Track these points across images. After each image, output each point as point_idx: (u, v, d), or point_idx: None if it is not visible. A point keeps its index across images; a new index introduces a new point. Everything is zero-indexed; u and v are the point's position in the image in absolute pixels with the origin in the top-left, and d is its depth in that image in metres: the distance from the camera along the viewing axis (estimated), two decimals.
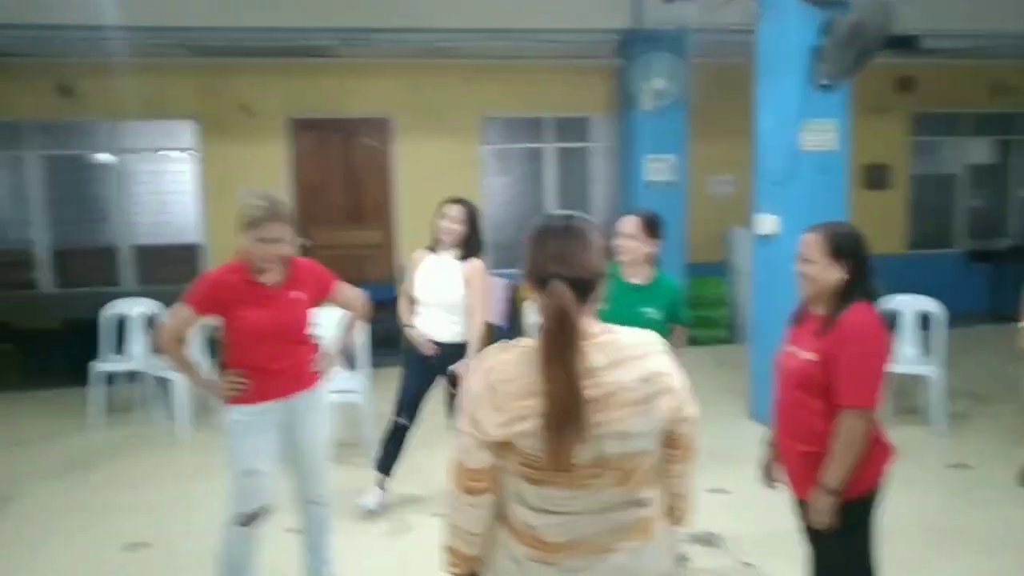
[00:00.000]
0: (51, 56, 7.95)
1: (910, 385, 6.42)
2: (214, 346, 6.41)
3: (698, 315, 9.06)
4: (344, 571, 3.85)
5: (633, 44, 8.31)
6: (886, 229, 9.90)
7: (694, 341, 9.00)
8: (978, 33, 8.67)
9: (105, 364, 6.57)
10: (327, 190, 9.01)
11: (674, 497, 1.98)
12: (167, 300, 7.01)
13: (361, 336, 5.48)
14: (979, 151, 10.80)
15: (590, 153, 9.79)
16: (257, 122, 8.65)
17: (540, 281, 1.76)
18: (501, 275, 7.02)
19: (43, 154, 8.59)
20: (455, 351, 4.53)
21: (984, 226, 10.62)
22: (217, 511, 3.44)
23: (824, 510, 2.70)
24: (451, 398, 4.55)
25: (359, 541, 4.36)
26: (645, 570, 1.84)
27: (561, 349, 1.69)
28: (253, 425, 3.34)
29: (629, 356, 1.77)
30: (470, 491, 1.81)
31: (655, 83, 7.95)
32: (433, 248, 4.56)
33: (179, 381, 6.17)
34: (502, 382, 1.74)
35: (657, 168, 8.57)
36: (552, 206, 9.57)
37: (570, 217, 1.84)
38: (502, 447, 1.76)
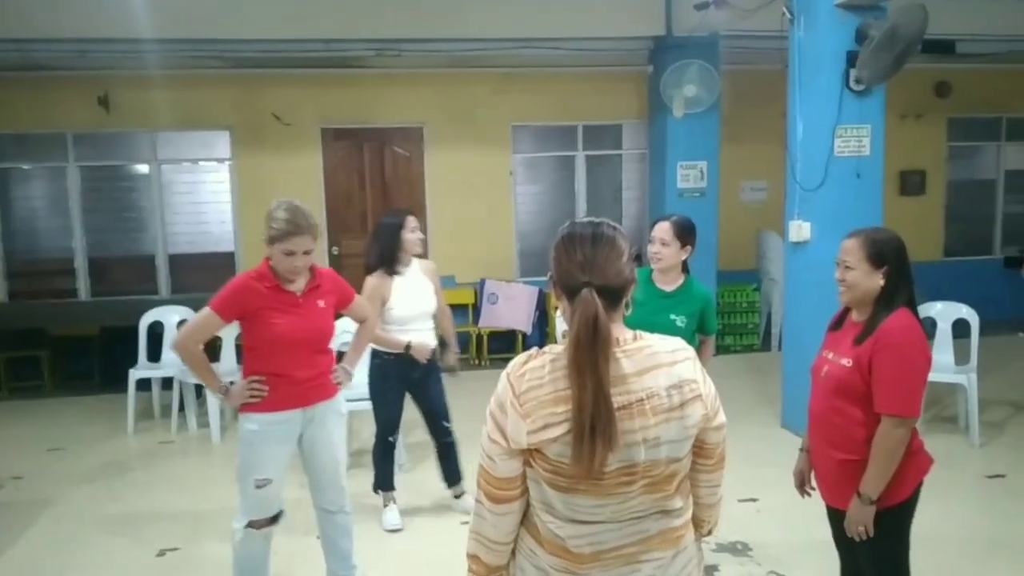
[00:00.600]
0: (91, 69, 8.09)
1: (946, 394, 6.32)
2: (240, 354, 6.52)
3: (730, 322, 9.01)
4: None
5: (664, 51, 8.29)
6: (921, 236, 9.75)
7: (726, 348, 8.96)
8: (1014, 37, 8.53)
9: (141, 371, 6.66)
10: (359, 199, 9.08)
11: (702, 508, 1.95)
12: (199, 307, 7.14)
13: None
14: (1017, 156, 10.62)
15: (621, 160, 9.76)
16: (291, 132, 8.75)
17: (569, 289, 1.74)
18: (529, 283, 7.05)
19: (83, 165, 8.74)
20: (433, 356, 4.66)
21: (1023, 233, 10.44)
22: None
23: (861, 520, 2.66)
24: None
25: (381, 547, 4.38)
26: None
27: (590, 357, 1.66)
28: (269, 435, 3.34)
29: (659, 363, 1.75)
30: (497, 500, 1.78)
31: (687, 90, 7.92)
32: (391, 269, 4.50)
33: None
34: (532, 389, 1.72)
35: (689, 175, 8.54)
36: (583, 214, 9.56)
37: (598, 224, 1.82)
38: (531, 454, 1.74)
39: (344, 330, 4.55)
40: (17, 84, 8.25)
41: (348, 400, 3.77)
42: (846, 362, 2.69)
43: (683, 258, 3.75)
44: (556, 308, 8.73)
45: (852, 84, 5.58)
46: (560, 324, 6.38)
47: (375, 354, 4.63)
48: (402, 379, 4.63)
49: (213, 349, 6.77)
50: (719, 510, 2.00)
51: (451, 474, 4.90)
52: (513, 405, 1.72)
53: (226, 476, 5.64)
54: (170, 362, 6.74)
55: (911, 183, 10.01)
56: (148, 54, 7.63)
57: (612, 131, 9.64)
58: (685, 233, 3.74)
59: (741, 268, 9.30)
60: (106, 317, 8.19)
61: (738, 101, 8.80)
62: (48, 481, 5.54)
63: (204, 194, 9.12)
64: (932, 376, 2.77)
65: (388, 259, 4.50)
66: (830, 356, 2.80)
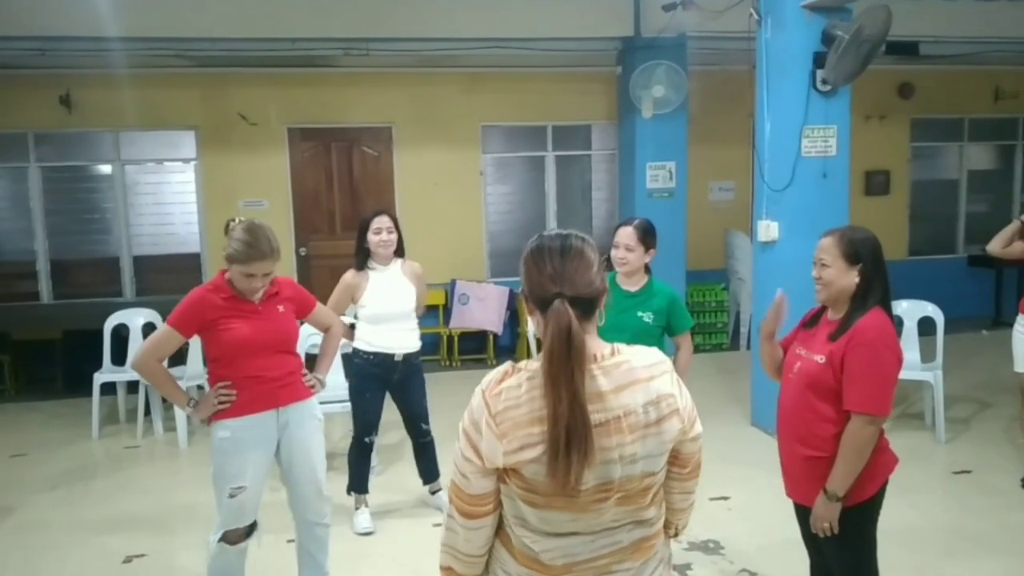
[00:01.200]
0: (52, 67, 7.95)
1: (912, 391, 6.40)
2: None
3: (699, 321, 9.05)
4: None
5: (633, 52, 8.31)
6: (886, 235, 9.59)
7: (695, 348, 8.97)
8: (976, 39, 8.67)
9: (106, 375, 6.55)
10: (327, 199, 9.01)
11: (674, 512, 1.95)
12: (167, 310, 7.03)
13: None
14: (980, 157, 10.80)
15: (591, 161, 9.78)
16: (257, 132, 8.66)
17: (540, 301, 1.71)
18: (500, 283, 7.03)
19: (45, 165, 8.58)
20: (415, 359, 4.65)
21: (986, 232, 10.54)
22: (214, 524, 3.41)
23: (827, 516, 2.68)
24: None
25: (353, 550, 4.35)
26: None
27: (565, 369, 1.64)
28: (243, 441, 3.28)
29: (636, 379, 1.73)
30: (470, 515, 1.76)
31: (655, 90, 7.94)
32: (362, 266, 4.52)
33: None
34: (509, 409, 1.69)
35: (658, 175, 8.57)
36: (553, 214, 9.57)
37: (566, 235, 1.79)
38: (505, 472, 1.71)
39: (311, 332, 4.50)
40: None
41: (320, 403, 3.74)
42: (819, 358, 2.71)
43: (647, 261, 3.83)
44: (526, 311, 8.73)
45: (819, 85, 5.63)
46: (532, 326, 6.39)
47: (355, 354, 4.61)
48: (381, 380, 4.60)
49: (179, 353, 6.71)
50: (690, 513, 2.00)
51: (428, 472, 4.89)
52: (489, 425, 1.69)
53: (193, 481, 5.60)
54: None
55: (876, 183, 10.14)
56: (111, 52, 7.50)
57: (582, 131, 9.65)
58: (648, 237, 3.84)
59: (709, 268, 9.36)
60: (69, 320, 8.04)
61: (706, 102, 8.83)
62: (10, 488, 5.42)
63: (169, 195, 8.99)
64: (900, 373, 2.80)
65: (358, 257, 4.53)
66: (802, 352, 2.81)
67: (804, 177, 5.72)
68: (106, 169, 8.80)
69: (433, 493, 4.90)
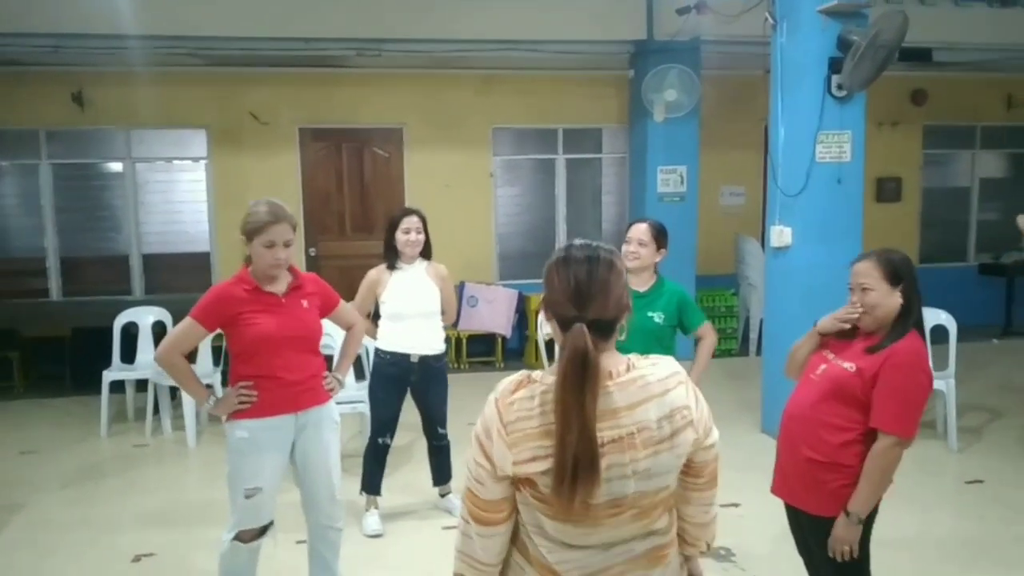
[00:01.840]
0: (65, 65, 7.96)
1: None
2: (216, 356, 6.44)
3: None
4: None
5: (645, 56, 8.30)
6: (897, 242, 9.60)
7: None
8: (990, 46, 8.64)
9: (115, 372, 6.55)
10: (338, 200, 9.01)
11: (697, 527, 1.94)
12: (176, 309, 7.07)
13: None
14: (992, 164, 10.75)
15: (601, 164, 9.77)
16: (268, 131, 8.66)
17: (560, 320, 1.71)
18: (509, 286, 7.02)
19: (56, 163, 8.60)
20: (437, 362, 4.62)
21: (997, 240, 10.55)
22: (225, 521, 3.39)
23: (848, 539, 2.65)
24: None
25: (361, 551, 4.33)
26: None
27: (577, 396, 1.62)
28: (260, 442, 3.25)
29: (651, 395, 1.71)
30: (484, 522, 1.75)
31: (667, 94, 7.92)
32: (392, 264, 4.52)
33: None
34: (520, 420, 1.68)
35: (669, 179, 8.55)
36: (562, 217, 9.56)
37: (594, 249, 1.75)
38: (519, 480, 1.71)
39: (326, 332, 4.48)
40: None
41: (344, 403, 3.72)
42: (849, 366, 2.68)
43: (657, 260, 3.84)
44: (538, 312, 8.70)
45: (834, 90, 5.60)
46: (543, 328, 6.37)
47: (375, 353, 4.60)
48: (398, 380, 4.58)
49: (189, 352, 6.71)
50: (714, 528, 1.98)
51: (441, 474, 4.88)
52: (500, 433, 1.68)
53: (202, 480, 5.60)
54: (144, 364, 6.64)
55: (887, 190, 10.10)
56: (124, 51, 7.52)
57: (592, 135, 9.63)
58: (661, 236, 3.85)
59: (719, 272, 9.33)
60: (78, 318, 8.04)
61: (717, 106, 8.82)
62: (20, 485, 5.41)
63: (179, 193, 8.99)
64: None
65: (385, 254, 4.54)
66: (830, 356, 2.78)
67: (818, 183, 5.69)
68: (117, 167, 8.80)
69: (443, 496, 4.89)
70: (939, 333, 6.05)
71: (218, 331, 3.33)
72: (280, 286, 3.30)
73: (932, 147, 10.37)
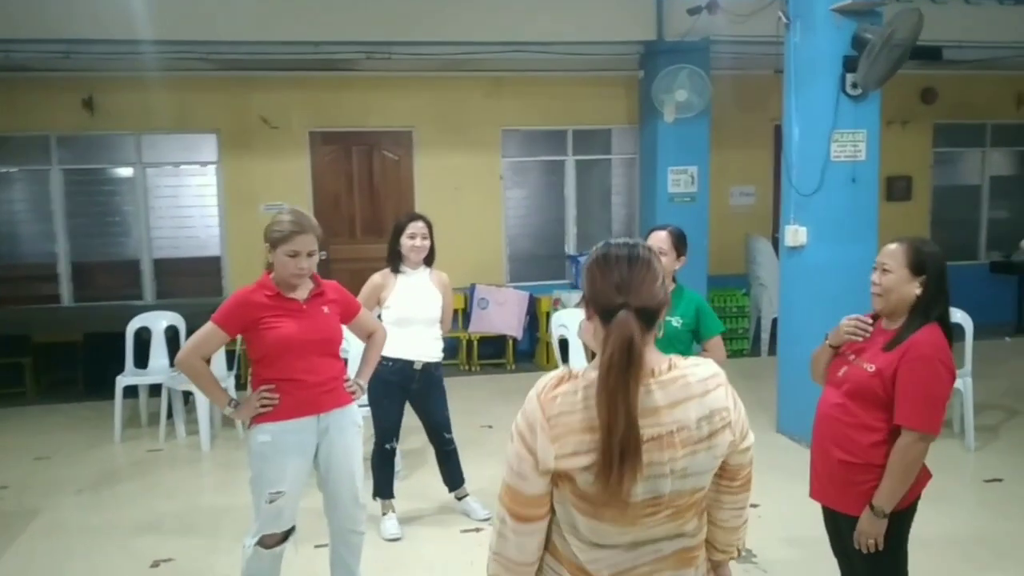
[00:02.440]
0: (75, 70, 7.95)
1: None
2: (230, 360, 6.44)
3: None
4: None
5: (655, 56, 8.28)
6: None
7: None
8: (999, 44, 8.60)
9: (128, 378, 6.55)
10: (348, 203, 9.00)
11: (728, 531, 1.93)
12: (189, 313, 7.09)
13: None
14: (1002, 162, 10.71)
15: (611, 165, 9.75)
16: (279, 135, 8.66)
17: (604, 311, 1.70)
18: (519, 288, 7.01)
19: (67, 168, 8.60)
20: (435, 370, 4.62)
21: (1008, 238, 10.50)
22: (242, 526, 3.38)
23: (873, 533, 2.63)
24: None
25: (381, 556, 4.32)
26: None
27: (623, 380, 1.63)
28: (283, 446, 3.24)
29: (691, 395, 1.72)
30: (523, 519, 1.74)
31: (678, 94, 7.90)
32: (396, 268, 4.53)
33: (200, 394, 6.12)
34: (563, 414, 1.68)
35: (680, 179, 8.53)
36: (572, 219, 9.54)
37: (633, 245, 1.78)
38: (558, 476, 1.71)
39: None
40: None
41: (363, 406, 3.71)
42: (869, 367, 2.66)
43: (677, 268, 3.84)
44: (547, 313, 8.64)
45: (848, 89, 5.58)
46: (558, 331, 6.35)
47: None
48: (401, 387, 4.58)
49: None
50: (744, 532, 1.97)
51: (453, 478, 4.86)
52: (543, 427, 1.68)
53: (217, 484, 5.60)
54: (158, 369, 6.65)
55: (897, 188, 10.06)
56: (134, 55, 7.53)
57: (602, 135, 9.62)
58: (681, 243, 3.87)
59: (731, 273, 9.30)
60: (89, 323, 8.04)
61: (726, 106, 8.80)
62: (35, 491, 5.41)
63: (190, 198, 8.99)
64: None
65: (390, 258, 4.54)
66: (851, 357, 2.76)
67: (833, 182, 5.66)
68: (127, 172, 8.81)
69: (460, 499, 4.87)
70: (955, 331, 5.97)
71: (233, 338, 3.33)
72: (302, 293, 3.31)
73: (942, 145, 10.33)
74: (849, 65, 5.55)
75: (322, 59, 8.04)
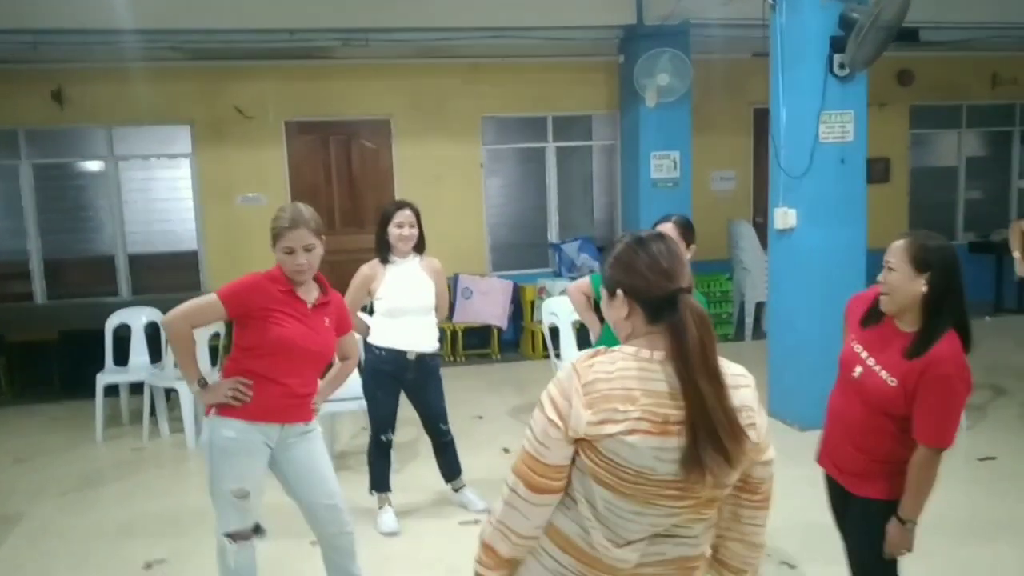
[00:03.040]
0: (44, 62, 7.76)
1: None
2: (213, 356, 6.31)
3: None
4: None
5: (635, 40, 8.23)
6: (887, 223, 9.70)
7: None
8: (974, 24, 8.64)
9: (109, 376, 6.40)
10: (326, 194, 8.86)
11: (749, 546, 1.89)
12: (168, 309, 6.89)
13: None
14: (978, 143, 10.80)
15: (591, 152, 9.69)
16: (254, 126, 8.49)
17: (657, 301, 1.71)
18: (502, 277, 6.93)
19: (37, 163, 8.39)
20: (430, 360, 4.55)
21: (986, 218, 10.61)
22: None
23: (903, 544, 2.63)
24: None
25: (378, 551, 4.23)
26: None
27: (712, 358, 1.65)
28: (247, 445, 3.13)
29: (729, 385, 1.70)
30: (539, 489, 1.70)
31: (660, 79, 7.85)
32: (385, 258, 4.43)
33: (184, 390, 5.99)
34: (599, 381, 1.66)
35: (662, 165, 8.49)
36: (554, 207, 9.47)
37: (659, 234, 1.80)
38: (581, 445, 1.67)
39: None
40: None
41: (329, 400, 3.62)
42: (892, 381, 2.58)
43: (687, 258, 3.75)
44: (532, 302, 8.57)
45: (836, 70, 5.55)
46: (548, 319, 6.29)
47: (368, 349, 4.49)
48: (394, 377, 4.49)
49: None
50: (763, 553, 1.93)
51: (450, 469, 4.79)
52: (578, 392, 1.66)
53: (203, 481, 5.45)
54: (139, 366, 6.51)
55: (876, 171, 10.04)
56: (104, 46, 7.37)
57: (582, 122, 9.56)
58: (688, 232, 3.87)
59: (713, 258, 9.25)
60: (64, 321, 7.86)
61: (705, 90, 8.76)
62: (18, 495, 5.25)
63: (164, 191, 8.82)
64: None
65: (379, 248, 4.44)
66: (866, 358, 2.69)
67: (822, 163, 5.64)
68: (99, 166, 8.61)
69: (457, 491, 4.80)
70: None
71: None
72: (310, 295, 3.21)
73: (919, 127, 10.39)
74: (836, 45, 5.52)
75: (297, 47, 7.91)
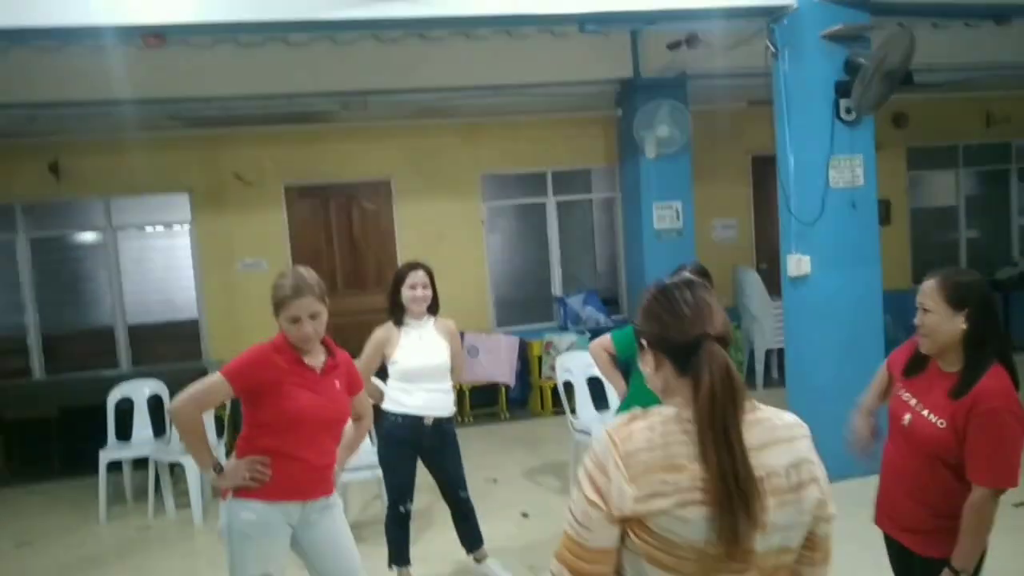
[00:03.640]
0: (40, 135, 7.71)
1: None
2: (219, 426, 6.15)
3: None
4: None
5: (632, 93, 8.24)
6: (890, 264, 9.67)
7: None
8: (968, 66, 8.70)
9: (112, 452, 6.22)
10: (328, 256, 8.77)
11: None
12: (171, 380, 6.78)
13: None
14: (975, 182, 10.82)
15: (592, 205, 9.66)
16: (254, 191, 8.42)
17: (680, 348, 1.60)
18: (508, 333, 6.81)
19: (34, 236, 8.29)
20: (447, 424, 4.42)
21: (989, 257, 10.56)
22: None
23: None
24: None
25: None
26: None
27: (731, 413, 1.53)
28: (269, 525, 3.00)
29: (778, 439, 1.61)
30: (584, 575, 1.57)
31: (659, 130, 7.84)
32: (399, 321, 4.32)
33: (190, 465, 5.82)
34: (640, 451, 1.54)
35: (665, 215, 8.44)
36: (556, 260, 9.40)
37: (690, 281, 1.73)
38: (630, 525, 1.54)
39: None
40: None
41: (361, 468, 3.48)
42: (940, 423, 2.49)
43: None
44: (539, 357, 8.44)
45: (843, 114, 5.54)
46: (563, 376, 6.16)
47: (382, 416, 4.35)
48: (412, 444, 4.35)
49: None
50: None
51: (472, 538, 4.60)
52: (618, 467, 1.53)
53: (214, 559, 5.25)
54: (143, 440, 6.35)
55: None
56: (100, 116, 7.33)
57: (581, 176, 9.53)
58: (706, 279, 3.77)
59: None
60: (63, 396, 7.66)
61: (702, 140, 8.75)
62: None
63: (163, 260, 8.73)
64: None
65: (392, 310, 4.34)
66: (914, 404, 2.60)
67: (834, 208, 5.60)
68: (97, 237, 8.52)
69: (479, 561, 4.62)
70: None
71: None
72: (317, 360, 3.09)
73: (916, 168, 10.40)
74: (840, 90, 5.52)
75: (295, 111, 7.88)
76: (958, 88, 9.41)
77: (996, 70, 8.84)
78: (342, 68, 7.49)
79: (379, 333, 4.34)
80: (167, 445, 6.19)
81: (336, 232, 8.81)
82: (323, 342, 3.14)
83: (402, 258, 8.72)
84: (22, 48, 6.49)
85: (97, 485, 6.10)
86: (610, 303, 9.29)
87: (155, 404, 6.43)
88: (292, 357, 3.01)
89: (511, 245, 9.55)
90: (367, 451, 5.36)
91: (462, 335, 5.73)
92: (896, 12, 5.86)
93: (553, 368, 7.65)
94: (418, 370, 4.29)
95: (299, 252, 8.66)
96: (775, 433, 1.61)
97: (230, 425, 6.45)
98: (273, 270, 8.34)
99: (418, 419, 4.30)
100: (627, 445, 1.54)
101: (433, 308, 4.40)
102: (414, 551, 4.73)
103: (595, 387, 6.17)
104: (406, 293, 4.29)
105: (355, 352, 4.21)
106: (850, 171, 5.61)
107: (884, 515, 2.74)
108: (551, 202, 9.35)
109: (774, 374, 8.91)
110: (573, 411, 6.03)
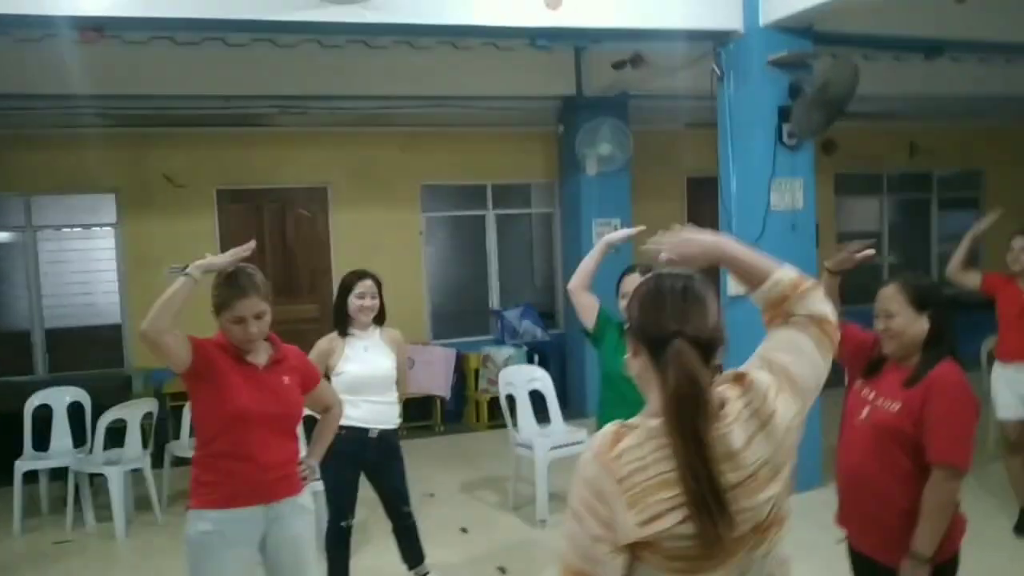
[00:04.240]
0: None
1: None
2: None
3: None
4: None
5: (574, 110, 8.29)
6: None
7: None
8: (894, 97, 9.00)
9: (28, 462, 5.91)
10: (260, 264, 8.36)
11: None
12: (92, 387, 6.50)
13: None
14: (899, 210, 11.21)
15: (531, 220, 9.67)
16: (184, 194, 8.16)
17: (655, 341, 1.56)
18: (444, 345, 6.73)
19: None
20: (392, 437, 4.35)
21: None
22: None
23: None
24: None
25: None
26: None
27: (697, 416, 1.47)
28: (227, 536, 2.88)
29: (758, 424, 1.57)
30: None
31: (602, 148, 7.90)
32: (344, 331, 4.23)
33: (113, 476, 5.56)
34: (635, 472, 1.48)
35: (604, 232, 8.46)
36: (495, 273, 9.37)
37: (688, 275, 1.67)
38: (639, 548, 1.48)
39: None
40: None
41: None
42: (894, 406, 2.57)
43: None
44: (476, 370, 8.38)
45: (785, 138, 5.66)
46: (505, 389, 6.11)
47: None
48: (356, 457, 4.23)
49: (176, 423, 6.26)
50: None
51: (414, 555, 4.49)
52: (615, 493, 1.47)
53: (133, 574, 5.05)
54: (61, 450, 6.06)
55: None
56: (22, 112, 7.00)
57: (521, 190, 9.54)
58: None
59: None
60: None
61: (642, 160, 8.85)
62: None
63: (86, 263, 8.36)
64: None
65: (337, 321, 4.24)
66: (870, 397, 2.67)
67: (774, 230, 5.71)
68: (15, 236, 8.14)
69: None
70: None
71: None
72: (260, 357, 2.99)
73: (843, 194, 10.72)
74: (784, 115, 5.64)
75: (231, 114, 7.68)
76: (885, 118, 9.73)
77: (921, 102, 9.17)
78: (282, 72, 7.31)
79: (322, 344, 4.23)
80: (88, 455, 5.92)
81: (269, 239, 8.59)
82: (268, 339, 3.04)
83: (337, 267, 8.58)
84: None
85: (11, 496, 5.79)
86: (547, 317, 9.30)
87: (76, 412, 6.13)
88: (232, 353, 2.93)
89: (449, 257, 9.49)
90: None
91: None
92: (838, 42, 6.02)
93: (492, 381, 7.61)
94: (363, 381, 4.17)
95: None
96: (751, 421, 1.55)
97: (155, 435, 6.21)
98: (202, 277, 8.10)
99: (363, 431, 4.18)
100: (620, 470, 1.49)
101: (379, 318, 4.31)
102: (352, 568, 4.61)
103: (537, 401, 6.15)
104: (353, 302, 4.19)
105: None
106: (791, 194, 5.74)
107: (845, 521, 2.76)
108: (490, 215, 9.33)
109: None
110: (515, 425, 5.98)
